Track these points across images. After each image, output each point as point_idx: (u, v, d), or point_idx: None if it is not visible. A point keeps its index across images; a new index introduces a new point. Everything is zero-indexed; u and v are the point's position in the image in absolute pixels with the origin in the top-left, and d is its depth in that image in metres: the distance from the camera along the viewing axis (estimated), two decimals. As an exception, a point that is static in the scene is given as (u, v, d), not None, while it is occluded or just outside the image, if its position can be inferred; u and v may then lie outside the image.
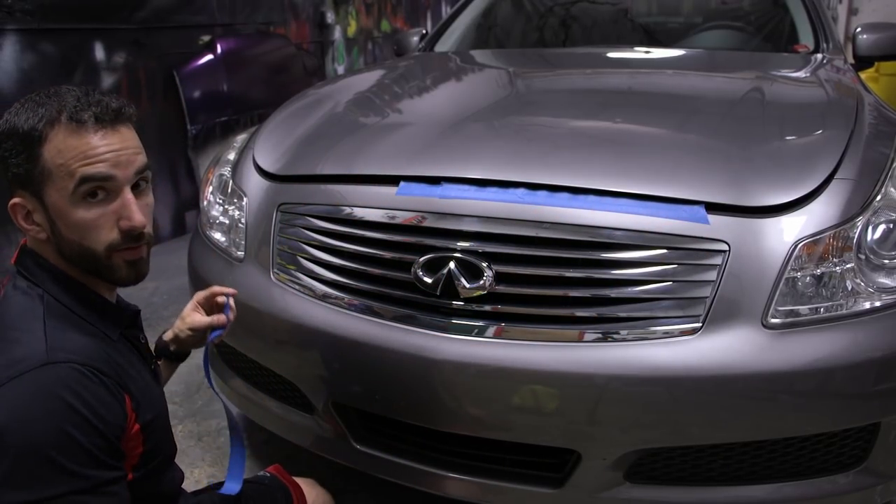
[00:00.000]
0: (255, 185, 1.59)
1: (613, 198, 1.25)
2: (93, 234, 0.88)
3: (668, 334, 1.18)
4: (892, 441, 1.24)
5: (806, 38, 2.37)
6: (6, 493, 0.75)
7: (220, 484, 1.18)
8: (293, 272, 1.43)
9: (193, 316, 1.19)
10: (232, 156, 1.80)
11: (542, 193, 1.27)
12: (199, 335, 1.19)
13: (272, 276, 1.46)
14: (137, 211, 0.89)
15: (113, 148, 0.87)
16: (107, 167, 0.86)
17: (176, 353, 1.23)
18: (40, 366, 0.79)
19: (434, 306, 1.26)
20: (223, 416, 2.08)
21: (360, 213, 1.36)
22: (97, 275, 0.92)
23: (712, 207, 1.22)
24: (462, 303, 1.24)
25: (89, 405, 0.80)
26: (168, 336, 1.22)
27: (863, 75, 2.16)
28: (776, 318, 1.18)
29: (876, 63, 2.46)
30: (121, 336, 0.95)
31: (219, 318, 1.19)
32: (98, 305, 0.93)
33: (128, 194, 0.89)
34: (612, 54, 2.41)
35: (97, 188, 0.86)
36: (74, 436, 0.78)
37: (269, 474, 1.26)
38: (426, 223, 1.30)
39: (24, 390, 0.78)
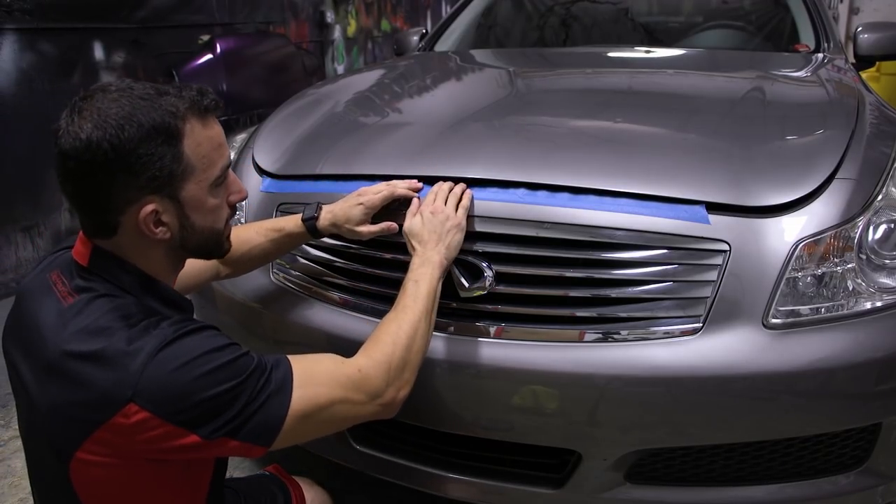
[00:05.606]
0: (254, 184, 1.58)
1: (614, 198, 1.24)
2: (220, 215, 0.94)
3: (668, 334, 1.17)
4: (894, 441, 1.24)
5: (807, 38, 2.37)
6: (212, 423, 0.81)
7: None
8: (293, 272, 1.43)
9: (364, 226, 1.25)
10: (231, 155, 1.79)
11: (543, 193, 1.27)
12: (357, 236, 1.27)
13: (272, 277, 1.45)
14: (240, 182, 0.97)
15: (223, 132, 0.92)
16: (229, 151, 0.93)
17: (321, 233, 1.28)
18: (161, 346, 0.81)
19: (434, 306, 1.26)
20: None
21: (359, 212, 1.36)
22: (209, 254, 0.97)
23: (713, 207, 1.22)
24: (462, 303, 1.24)
25: (212, 342, 0.85)
26: (327, 220, 1.26)
27: (864, 75, 2.15)
28: (777, 318, 1.17)
29: (877, 62, 2.46)
30: None
31: (390, 226, 1.24)
32: (178, 302, 0.96)
33: (230, 171, 0.95)
34: (613, 54, 2.41)
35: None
36: (222, 362, 0.83)
37: (267, 473, 1.26)
38: (426, 223, 1.29)
39: (160, 369, 0.79)
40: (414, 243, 1.17)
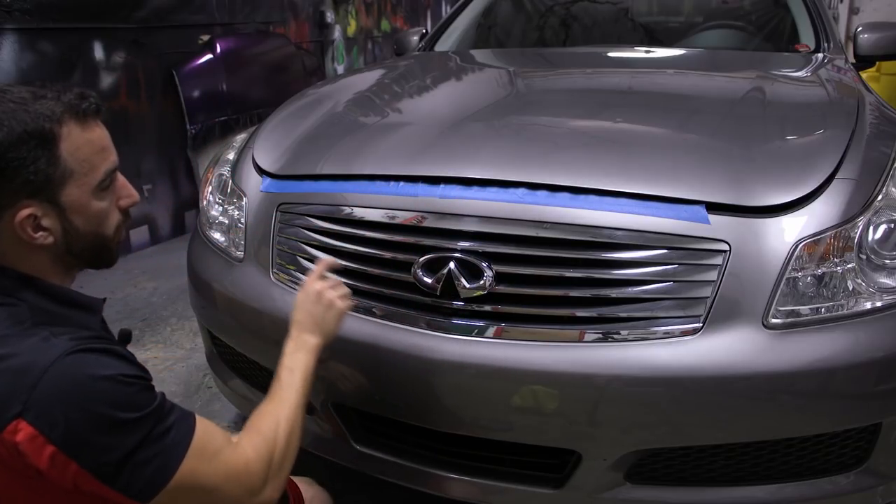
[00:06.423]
0: (254, 184, 1.58)
1: (614, 198, 1.24)
2: (107, 221, 0.91)
3: (668, 334, 1.17)
4: (894, 442, 1.24)
5: (807, 38, 2.37)
6: (97, 457, 0.78)
7: None
8: (293, 272, 1.43)
9: None
10: (231, 155, 1.79)
11: (543, 193, 1.27)
12: None
13: (272, 276, 1.45)
14: (132, 187, 0.95)
15: (107, 135, 0.91)
16: (115, 155, 0.91)
17: None
18: (55, 361, 0.78)
19: (434, 306, 1.26)
20: (222, 416, 2.08)
21: (359, 213, 1.36)
22: (96, 262, 0.94)
23: (713, 207, 1.22)
24: (462, 303, 1.24)
25: (115, 366, 0.82)
26: None
27: (864, 75, 2.15)
28: (777, 318, 1.17)
29: (877, 62, 2.46)
30: (101, 327, 0.97)
31: None
32: (77, 300, 0.93)
33: (120, 175, 0.93)
34: (613, 54, 2.41)
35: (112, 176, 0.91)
36: (121, 393, 0.80)
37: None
38: (426, 223, 1.30)
39: (53, 386, 0.77)
40: (292, 323, 1.15)
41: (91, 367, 0.79)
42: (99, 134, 0.89)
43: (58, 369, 0.77)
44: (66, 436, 0.76)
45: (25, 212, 0.82)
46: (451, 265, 1.23)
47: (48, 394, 0.76)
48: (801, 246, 1.20)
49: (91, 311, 0.94)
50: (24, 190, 0.82)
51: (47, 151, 0.82)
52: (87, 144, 0.86)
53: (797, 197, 1.24)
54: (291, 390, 1.05)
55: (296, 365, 1.08)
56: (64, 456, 0.77)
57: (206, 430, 0.89)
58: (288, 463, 0.99)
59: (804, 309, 1.19)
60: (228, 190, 1.66)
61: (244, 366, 1.61)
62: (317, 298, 1.16)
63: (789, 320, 1.18)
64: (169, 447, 0.83)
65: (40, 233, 0.85)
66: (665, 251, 1.20)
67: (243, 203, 1.58)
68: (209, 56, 3.92)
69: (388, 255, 1.31)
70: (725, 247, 1.19)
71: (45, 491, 0.82)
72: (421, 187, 1.33)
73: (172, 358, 2.47)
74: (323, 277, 1.21)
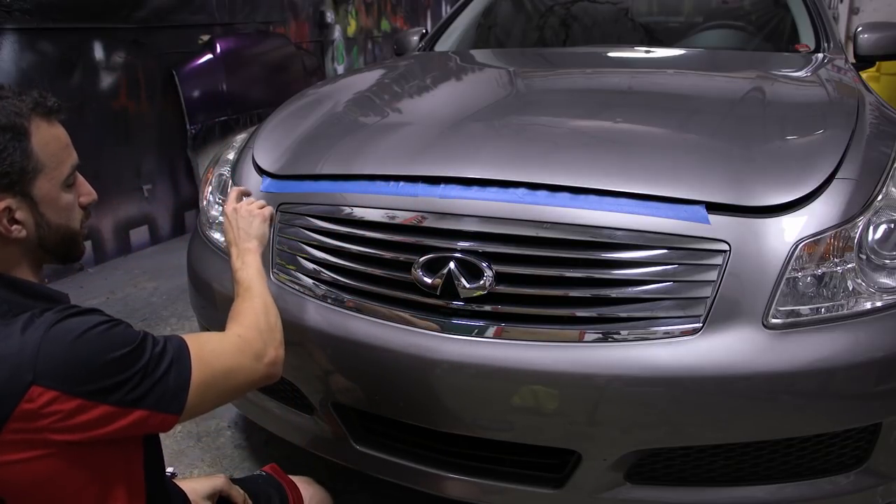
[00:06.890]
0: (254, 184, 1.58)
1: (614, 198, 1.24)
2: (73, 215, 0.95)
3: (668, 334, 1.17)
4: (894, 442, 1.24)
5: (807, 38, 2.37)
6: (118, 391, 0.83)
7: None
8: (293, 272, 1.43)
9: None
10: (231, 155, 1.79)
11: (543, 193, 1.27)
12: None
13: (272, 277, 1.45)
14: (90, 185, 0.99)
15: (67, 134, 0.94)
16: (75, 153, 0.94)
17: None
18: (45, 334, 0.81)
19: (434, 306, 1.26)
20: (222, 416, 2.08)
21: (359, 213, 1.36)
22: (66, 256, 0.97)
23: (713, 207, 1.22)
24: (462, 303, 1.24)
25: (95, 320, 0.85)
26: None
27: (864, 75, 2.15)
28: (777, 318, 1.17)
29: (877, 62, 2.46)
30: None
31: None
32: (47, 293, 0.94)
33: (79, 174, 0.96)
34: (613, 54, 2.41)
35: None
36: (110, 336, 0.84)
37: (264, 473, 1.26)
38: (426, 223, 1.30)
39: (53, 355, 0.80)
40: (229, 244, 1.24)
41: (77, 328, 0.82)
42: (62, 131, 0.92)
43: (55, 332, 0.81)
44: (82, 387, 0.80)
45: (2, 205, 0.85)
46: (451, 265, 1.23)
47: (53, 353, 0.80)
48: (801, 246, 1.20)
49: (59, 304, 0.95)
50: (2, 181, 0.84)
51: (21, 144, 0.85)
52: (54, 140, 0.90)
53: (797, 197, 1.24)
54: (252, 281, 1.15)
55: (247, 264, 1.18)
56: (90, 402, 0.81)
57: (193, 334, 0.97)
58: (278, 329, 1.10)
59: (804, 309, 1.19)
60: (228, 190, 1.66)
61: (244, 366, 1.60)
62: (235, 215, 1.26)
63: (789, 320, 1.18)
64: (175, 356, 0.89)
65: (15, 226, 0.87)
66: (665, 251, 1.20)
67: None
68: (209, 56, 3.92)
69: (388, 255, 1.31)
70: (725, 247, 1.19)
71: (84, 466, 0.85)
72: (421, 187, 1.33)
73: (172, 358, 2.47)
74: (237, 201, 1.30)
